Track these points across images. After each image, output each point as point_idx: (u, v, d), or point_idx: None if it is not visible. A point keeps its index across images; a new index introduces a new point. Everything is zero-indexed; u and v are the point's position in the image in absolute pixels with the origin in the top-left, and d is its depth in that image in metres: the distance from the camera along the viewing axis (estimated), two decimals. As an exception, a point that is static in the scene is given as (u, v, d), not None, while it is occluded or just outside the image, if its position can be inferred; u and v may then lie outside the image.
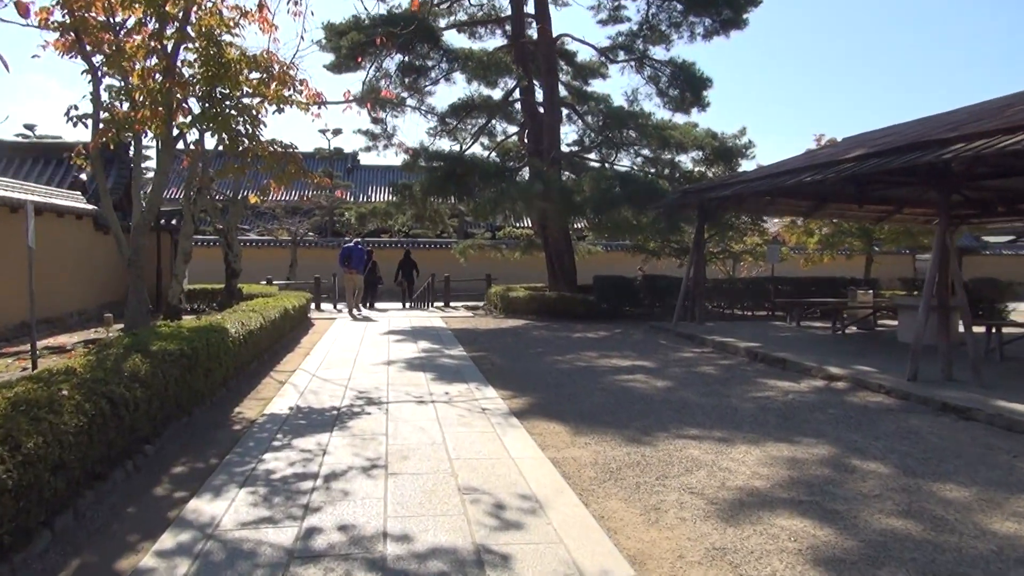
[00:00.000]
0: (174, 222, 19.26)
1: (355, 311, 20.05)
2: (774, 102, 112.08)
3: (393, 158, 44.79)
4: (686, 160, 20.97)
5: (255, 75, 10.77)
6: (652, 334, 15.44)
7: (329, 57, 20.12)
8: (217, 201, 21.45)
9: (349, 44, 16.94)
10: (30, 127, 46.23)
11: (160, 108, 10.08)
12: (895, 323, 14.67)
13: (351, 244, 21.63)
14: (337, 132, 42.82)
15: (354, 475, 5.50)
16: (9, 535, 3.77)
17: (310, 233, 32.49)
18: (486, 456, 6.08)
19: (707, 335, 13.77)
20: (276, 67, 10.56)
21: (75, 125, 10.34)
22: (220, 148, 11.56)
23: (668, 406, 8.20)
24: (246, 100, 11.15)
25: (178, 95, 10.52)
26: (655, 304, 19.07)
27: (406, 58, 17.44)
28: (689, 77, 18.94)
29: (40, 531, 4.14)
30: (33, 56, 11.50)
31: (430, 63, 17.84)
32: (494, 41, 23.30)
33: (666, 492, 5.23)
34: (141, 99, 9.97)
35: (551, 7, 21.21)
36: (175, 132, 11.34)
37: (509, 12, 21.49)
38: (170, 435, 6.60)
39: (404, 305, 23.36)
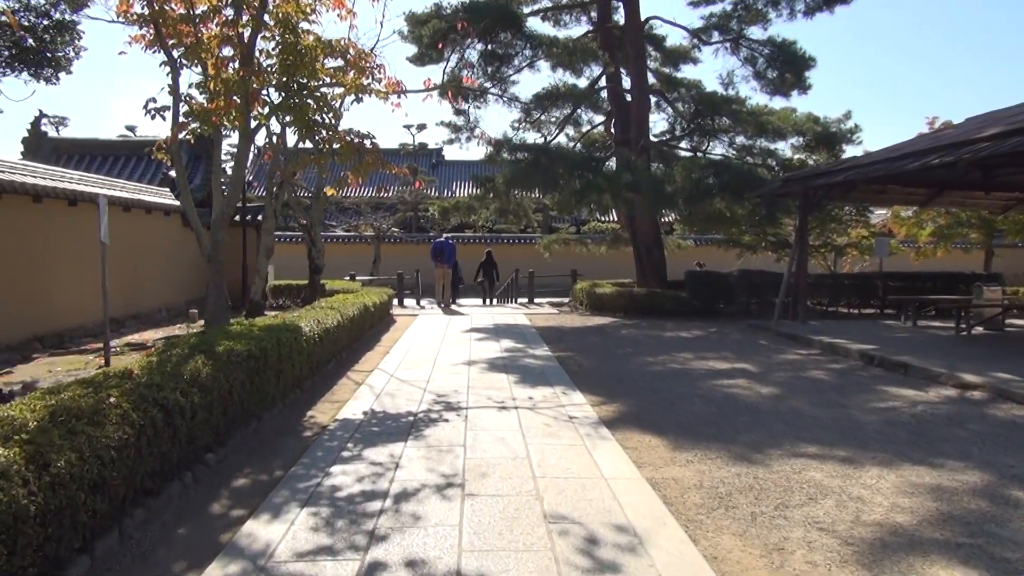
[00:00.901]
0: (259, 217, 19.28)
1: (442, 303, 20.84)
2: (873, 86, 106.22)
3: (477, 153, 44.60)
4: (784, 147, 19.68)
5: (332, 63, 10.35)
6: (751, 333, 14.39)
7: (411, 49, 19.77)
8: (301, 197, 21.48)
9: (431, 32, 16.47)
10: (131, 128, 48.18)
11: (236, 99, 9.77)
12: (1029, 323, 13.20)
13: (441, 240, 22.01)
14: (422, 127, 42.89)
15: (427, 495, 4.90)
16: (34, 567, 3.30)
17: (394, 228, 32.42)
18: (575, 474, 5.38)
19: (813, 335, 12.66)
20: (352, 53, 10.09)
21: (153, 118, 10.19)
22: (300, 142, 11.22)
23: (778, 417, 7.30)
24: (324, 89, 10.79)
25: (255, 85, 10.21)
26: (751, 301, 17.92)
27: (488, 46, 16.85)
28: (790, 57, 17.64)
29: (75, 558, 3.68)
30: (120, 52, 11.30)
31: (513, 51, 17.19)
32: (579, 28, 22.49)
33: (789, 527, 4.42)
34: (218, 90, 9.68)
35: (639, -9, 20.28)
36: (253, 123, 11.10)
37: (594, -3, 20.66)
38: (235, 443, 6.17)
39: (484, 302, 22.90)
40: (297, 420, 7.23)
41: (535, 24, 20.86)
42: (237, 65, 10.20)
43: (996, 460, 5.78)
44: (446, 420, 7.12)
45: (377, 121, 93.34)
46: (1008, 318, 14.48)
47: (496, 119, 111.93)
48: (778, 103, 19.64)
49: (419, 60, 20.10)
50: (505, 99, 18.52)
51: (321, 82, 10.74)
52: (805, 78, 18.09)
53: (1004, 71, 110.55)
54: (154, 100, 10.24)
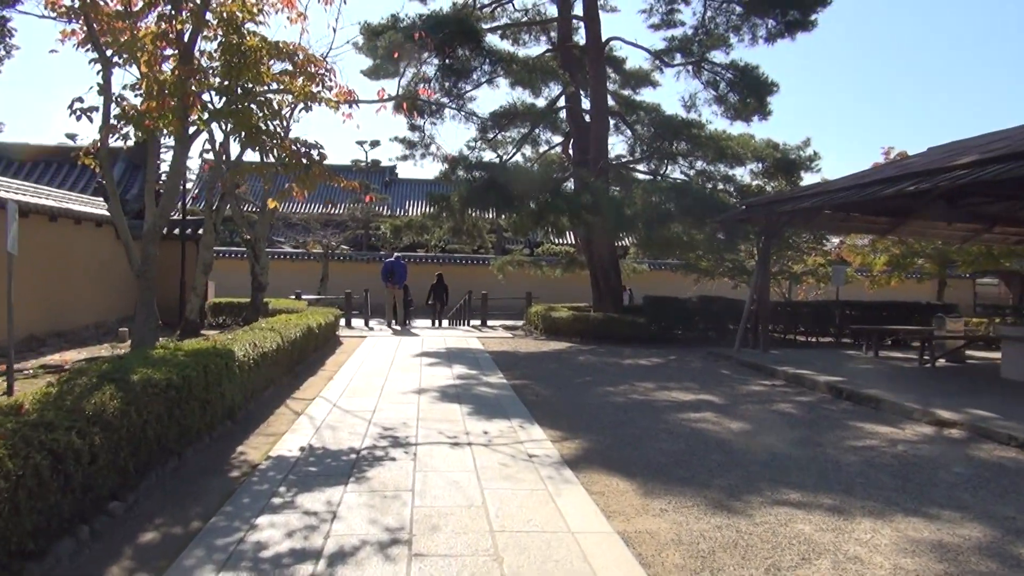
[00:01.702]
0: (200, 232, 18.32)
1: (393, 325, 20.76)
2: (826, 116, 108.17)
3: (431, 170, 43.96)
4: (743, 173, 19.49)
5: (279, 66, 9.65)
6: (711, 362, 13.96)
7: (366, 62, 19.13)
8: (247, 211, 20.54)
9: (386, 44, 15.84)
10: (71, 136, 46.27)
11: (171, 99, 8.99)
12: (991, 355, 13.03)
13: (393, 259, 21.75)
14: (375, 144, 42.12)
15: (368, 555, 4.20)
16: None
17: (343, 246, 31.50)
18: (538, 527, 4.74)
19: (776, 365, 12.28)
20: (300, 56, 9.40)
21: (79, 119, 9.28)
22: (243, 151, 10.46)
23: (752, 457, 6.78)
24: (271, 96, 10.08)
25: (193, 87, 9.44)
26: (709, 328, 17.56)
27: (446, 60, 16.29)
28: (752, 81, 17.46)
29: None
30: (51, 51, 10.39)
31: (472, 65, 16.67)
32: (538, 48, 22.15)
33: (786, 597, 3.84)
34: (151, 90, 8.88)
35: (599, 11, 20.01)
36: (191, 129, 10.31)
37: (555, 14, 20.33)
38: (149, 486, 5.37)
39: (434, 324, 22.40)
40: (225, 457, 6.44)
41: (494, 41, 20.43)
42: (174, 65, 9.46)
43: (993, 510, 5.31)
44: (393, 459, 6.41)
45: (329, 136, 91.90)
46: (967, 349, 14.34)
47: (452, 136, 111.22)
48: (738, 128, 19.51)
49: (374, 74, 19.45)
50: (463, 115, 17.95)
51: (267, 87, 10.04)
52: (767, 103, 17.95)
53: (954, 104, 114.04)
54: (80, 100, 9.35)
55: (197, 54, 10.12)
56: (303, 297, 21.52)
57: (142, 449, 5.21)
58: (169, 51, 9.62)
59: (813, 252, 20.00)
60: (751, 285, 15.21)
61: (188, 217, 19.01)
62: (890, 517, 5.11)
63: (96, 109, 9.51)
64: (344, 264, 30.54)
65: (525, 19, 21.51)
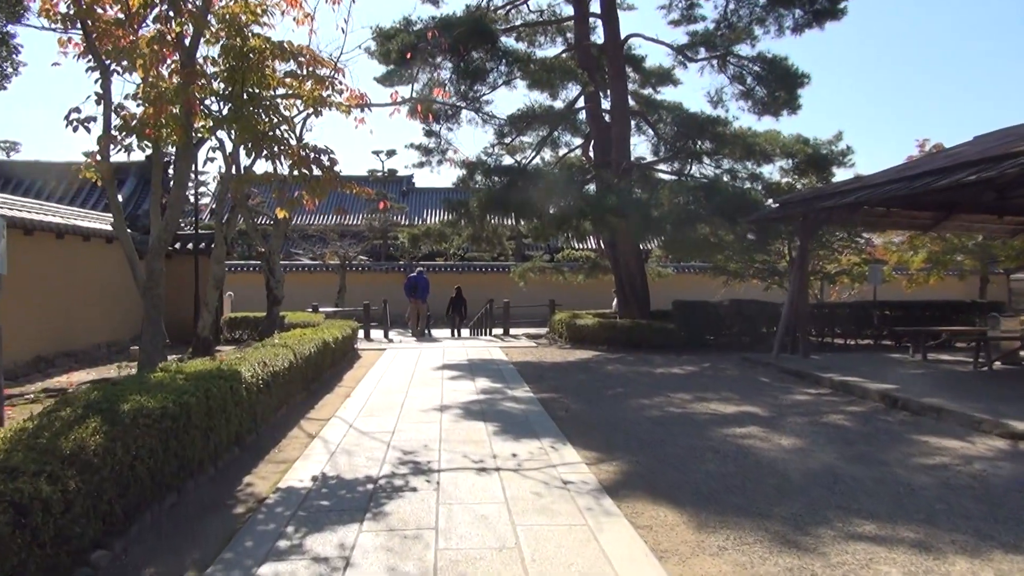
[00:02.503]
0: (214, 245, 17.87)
1: (417, 333, 21.23)
2: (850, 109, 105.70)
3: (448, 178, 43.52)
4: (771, 170, 18.73)
5: (284, 66, 9.12)
6: (748, 369, 13.24)
7: (379, 69, 18.64)
8: (262, 223, 20.12)
9: (399, 47, 15.30)
10: (88, 155, 46.41)
11: (171, 106, 8.48)
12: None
13: (415, 275, 21.99)
14: (391, 153, 41.73)
15: (385, 616, 3.59)
16: None
17: (361, 257, 31.03)
18: (582, 573, 4.11)
19: (819, 372, 11.55)
20: (306, 56, 8.86)
21: (75, 130, 8.80)
22: (249, 157, 9.94)
23: (812, 480, 6.09)
24: (278, 100, 9.56)
25: (196, 93, 8.94)
26: (742, 333, 16.81)
27: (461, 63, 15.75)
28: (782, 73, 16.71)
29: None
30: (53, 64, 9.91)
31: (488, 67, 16.11)
32: (554, 49, 21.60)
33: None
34: (150, 97, 8.38)
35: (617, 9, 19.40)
36: (195, 137, 9.82)
37: (571, 13, 19.72)
38: (141, 529, 4.80)
39: (453, 335, 22.14)
40: (230, 490, 5.87)
41: (509, 43, 19.86)
42: (175, 70, 8.96)
43: (1106, 543, 4.60)
44: (413, 489, 5.79)
45: (344, 146, 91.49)
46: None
47: (469, 141, 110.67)
48: (766, 123, 18.92)
49: (387, 80, 18.93)
50: (480, 118, 17.35)
51: (273, 91, 9.52)
52: (797, 96, 17.20)
53: (985, 96, 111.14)
54: (78, 110, 8.86)
55: (200, 60, 9.66)
56: (320, 310, 21.01)
57: (132, 489, 4.64)
58: (169, 57, 9.16)
59: (847, 251, 19.16)
60: (789, 287, 14.46)
61: (202, 231, 18.59)
62: (988, 555, 4.42)
63: (94, 119, 9.04)
64: (362, 275, 30.08)
65: (540, 20, 20.94)
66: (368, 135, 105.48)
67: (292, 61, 8.78)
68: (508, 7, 20.50)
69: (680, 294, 19.81)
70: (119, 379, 7.57)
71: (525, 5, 21.02)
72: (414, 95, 15.43)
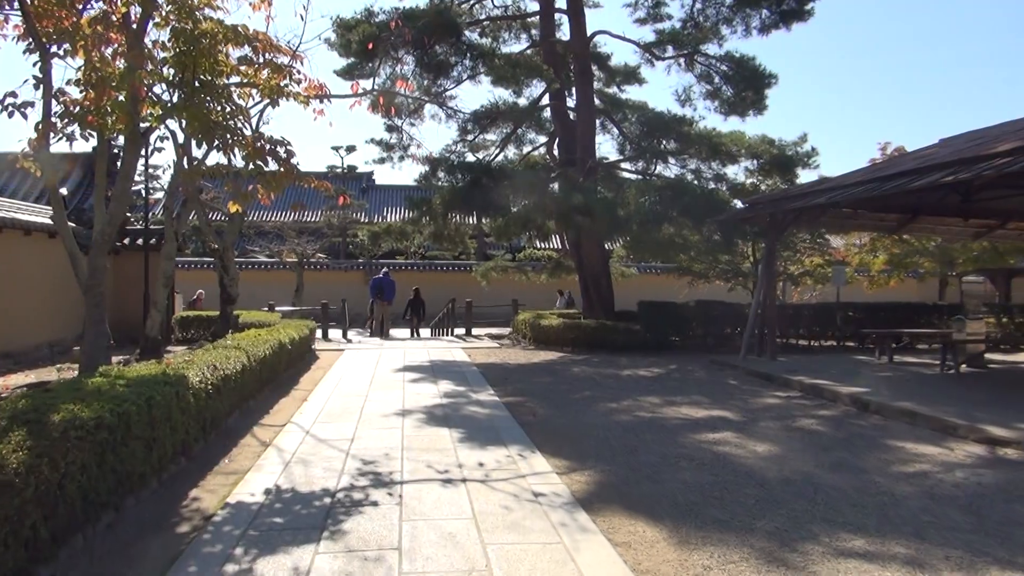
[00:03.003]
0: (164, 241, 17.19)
1: (380, 335, 20.96)
2: (812, 112, 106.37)
3: (409, 175, 42.98)
4: (736, 171, 18.67)
5: (238, 52, 8.63)
6: (716, 371, 13.05)
7: (339, 63, 18.14)
8: (213, 219, 19.43)
9: (360, 38, 14.81)
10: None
11: (114, 92, 7.95)
12: (1011, 359, 12.23)
13: (381, 276, 21.75)
14: (351, 149, 40.95)
15: (343, 656, 3.21)
16: None
17: (319, 254, 30.36)
18: (559, 601, 3.77)
19: (788, 374, 11.40)
20: (261, 43, 8.38)
21: (11, 115, 8.21)
22: (199, 147, 9.42)
23: (792, 489, 5.84)
24: (232, 88, 9.05)
25: (144, 79, 8.41)
26: (707, 334, 16.67)
27: (424, 57, 15.32)
28: (750, 73, 16.61)
29: None
30: None
31: (452, 60, 15.71)
32: (519, 46, 21.23)
33: None
34: (91, 81, 7.84)
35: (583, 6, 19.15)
36: (143, 126, 9.27)
37: (536, 8, 19.41)
38: (74, 553, 4.34)
39: (412, 335, 21.81)
40: (174, 506, 5.41)
41: (473, 39, 19.48)
42: (121, 53, 8.43)
43: (1102, 557, 4.41)
44: (374, 503, 5.40)
45: (303, 141, 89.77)
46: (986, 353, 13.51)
47: (432, 138, 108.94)
48: (733, 123, 18.85)
49: (348, 74, 18.40)
50: (443, 113, 16.95)
51: (227, 80, 9.00)
52: (765, 96, 17.12)
53: (945, 101, 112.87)
54: (14, 95, 8.28)
55: (149, 45, 9.12)
56: (277, 309, 20.39)
57: (60, 509, 4.18)
58: (115, 40, 8.62)
59: (811, 252, 19.17)
60: (756, 288, 14.32)
61: (153, 227, 17.86)
62: (984, 572, 4.19)
63: (32, 105, 8.45)
64: (320, 273, 29.43)
65: (505, 15, 20.59)
66: (328, 130, 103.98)
67: (247, 46, 8.26)
68: (472, 2, 20.12)
69: (643, 295, 19.65)
70: (55, 383, 7.05)
71: (490, 0, 20.68)
72: (376, 89, 14.98)
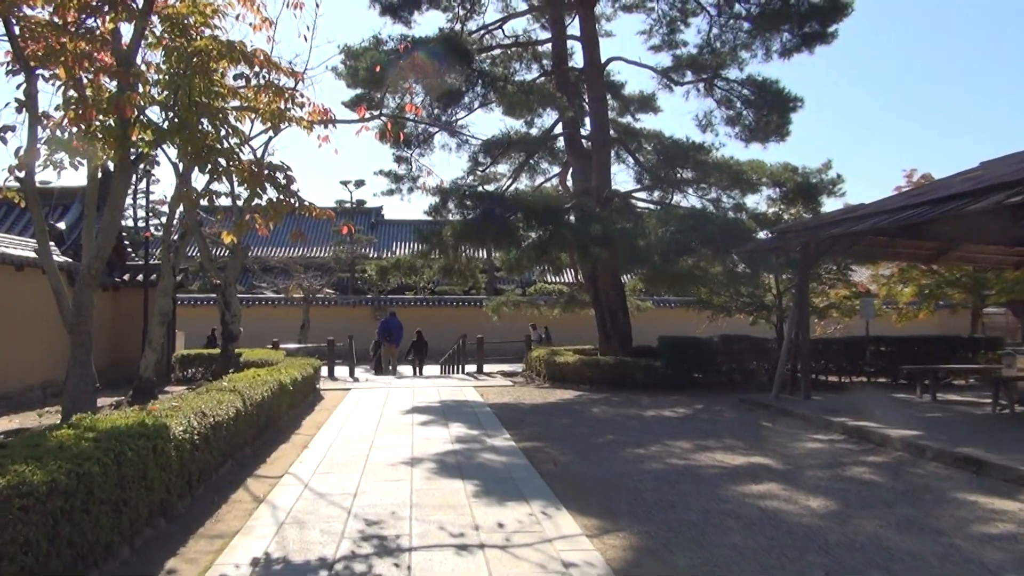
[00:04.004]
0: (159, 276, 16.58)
1: (389, 371, 21.09)
2: (832, 139, 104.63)
3: (418, 208, 42.60)
4: (757, 200, 18.01)
5: (236, 70, 8.02)
6: (747, 412, 12.22)
7: (347, 94, 17.64)
8: (217, 254, 18.85)
9: (368, 65, 14.30)
10: (45, 183, 44.66)
11: (99, 113, 7.34)
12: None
13: (388, 318, 21.75)
14: (360, 184, 40.68)
15: None
16: None
17: (327, 290, 29.74)
18: None
19: (827, 415, 10.57)
20: (260, 60, 7.79)
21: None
22: (191, 172, 8.80)
23: (864, 558, 5.03)
24: (228, 110, 8.44)
25: (135, 101, 7.80)
26: (733, 370, 15.84)
27: (434, 84, 14.80)
28: (773, 97, 16.00)
29: None
30: None
31: (463, 87, 15.21)
32: (530, 75, 20.75)
33: None
34: (69, 101, 7.24)
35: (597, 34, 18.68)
36: (132, 153, 8.65)
37: (548, 36, 18.96)
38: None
39: (415, 373, 21.58)
40: (145, 581, 4.65)
41: (484, 68, 19.01)
42: (109, 71, 7.84)
43: None
44: (378, 577, 4.63)
45: (310, 175, 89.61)
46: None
47: (442, 168, 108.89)
48: (754, 150, 18.25)
49: (355, 105, 17.91)
50: (455, 142, 16.38)
51: (224, 102, 8.40)
52: (788, 120, 16.50)
53: (967, 130, 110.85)
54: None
55: (142, 66, 8.56)
56: (281, 346, 19.68)
57: (-7, 600, 3.43)
58: (102, 59, 8.05)
59: (837, 284, 18.36)
60: (789, 322, 13.50)
61: (154, 262, 17.28)
62: None
63: (13, 129, 7.87)
64: (328, 309, 28.82)
65: (516, 42, 20.16)
66: (336, 165, 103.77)
67: (244, 64, 7.65)
68: (482, 32, 19.70)
69: (660, 329, 18.86)
70: (30, 433, 6.37)
71: (500, 30, 20.27)
72: (384, 118, 14.42)
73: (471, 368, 21.34)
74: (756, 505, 6.41)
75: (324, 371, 17.64)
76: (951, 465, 7.78)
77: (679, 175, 18.42)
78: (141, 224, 21.77)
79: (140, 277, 17.31)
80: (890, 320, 20.99)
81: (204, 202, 11.15)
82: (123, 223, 30.69)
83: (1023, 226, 10.63)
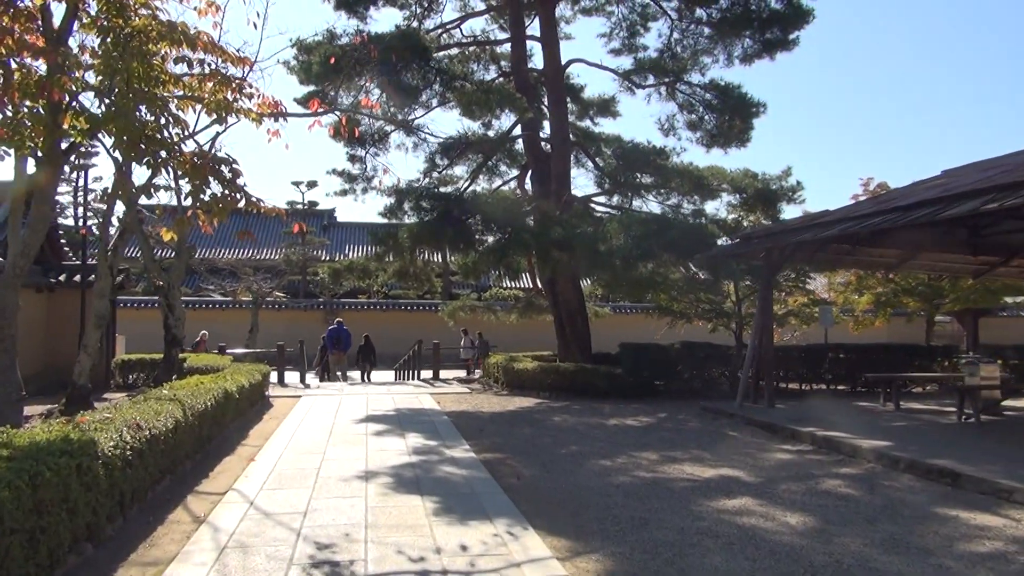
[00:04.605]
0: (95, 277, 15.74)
1: (338, 377, 20.71)
2: (788, 145, 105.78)
3: (373, 210, 41.82)
4: (717, 206, 17.92)
5: (176, 53, 7.44)
6: (711, 420, 11.96)
7: (299, 90, 17.04)
8: (160, 254, 18.05)
9: (321, 59, 13.73)
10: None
11: (27, 99, 6.72)
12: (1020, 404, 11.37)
13: (336, 326, 21.33)
14: (312, 184, 39.68)
15: None
16: None
17: (277, 293, 28.90)
18: None
19: (794, 424, 10.36)
20: (204, 42, 7.23)
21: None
22: (126, 163, 8.18)
23: (854, 580, 4.72)
24: (167, 96, 7.85)
25: (69, 85, 7.18)
26: (694, 378, 15.63)
27: (390, 80, 14.28)
28: (736, 102, 15.87)
29: None
30: None
31: (420, 84, 14.72)
32: (488, 76, 20.33)
33: None
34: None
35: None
36: (64, 142, 8.02)
37: (507, 37, 18.61)
38: None
39: (362, 379, 20.98)
40: (63, 620, 4.09)
41: (443, 64, 18.55)
42: (37, 57, 7.20)
43: None
44: (330, 613, 4.15)
45: (260, 176, 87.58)
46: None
47: (398, 168, 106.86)
48: (713, 156, 18.08)
49: (308, 100, 17.28)
50: (412, 141, 15.85)
51: (163, 89, 7.81)
52: (751, 126, 16.40)
53: (924, 137, 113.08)
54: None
55: (78, 50, 7.95)
56: (228, 351, 18.90)
57: None
58: (32, 41, 7.40)
59: (794, 291, 18.33)
60: (753, 330, 13.30)
61: (90, 262, 16.40)
62: None
63: (-74, 115, 7.19)
64: (279, 312, 27.98)
65: (474, 41, 19.75)
66: (287, 167, 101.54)
67: (186, 47, 7.09)
68: (439, 31, 19.24)
69: (618, 335, 18.63)
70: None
71: (458, 29, 19.85)
72: (338, 112, 13.84)
73: (427, 374, 20.83)
74: (733, 522, 6.08)
75: (273, 377, 16.96)
76: (924, 477, 7.59)
77: (639, 180, 18.21)
78: (81, 223, 20.72)
79: (77, 278, 16.39)
80: (846, 328, 21.07)
81: (144, 198, 10.49)
82: (62, 221, 29.44)
83: (982, 236, 10.60)
